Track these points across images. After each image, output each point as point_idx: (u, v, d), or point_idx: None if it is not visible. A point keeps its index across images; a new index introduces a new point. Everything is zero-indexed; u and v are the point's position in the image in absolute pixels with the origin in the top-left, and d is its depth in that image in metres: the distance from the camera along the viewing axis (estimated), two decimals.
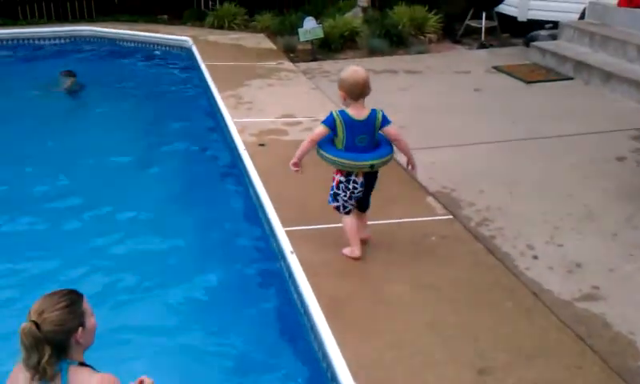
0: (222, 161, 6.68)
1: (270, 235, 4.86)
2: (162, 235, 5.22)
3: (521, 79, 8.55)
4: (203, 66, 9.19)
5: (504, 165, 5.93)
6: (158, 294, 4.43)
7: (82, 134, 7.42)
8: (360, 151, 3.98)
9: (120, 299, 4.35)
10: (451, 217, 4.91)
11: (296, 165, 4.13)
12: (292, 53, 10.24)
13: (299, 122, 6.87)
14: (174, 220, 5.51)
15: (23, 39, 11.73)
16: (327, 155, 4.01)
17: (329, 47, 10.23)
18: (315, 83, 8.45)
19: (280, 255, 4.54)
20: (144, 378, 2.57)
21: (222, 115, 7.23)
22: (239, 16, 12.34)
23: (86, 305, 2.45)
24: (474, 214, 4.97)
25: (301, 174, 4.17)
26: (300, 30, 9.65)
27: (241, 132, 6.54)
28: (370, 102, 4.08)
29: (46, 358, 2.30)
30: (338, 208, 4.19)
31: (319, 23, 9.99)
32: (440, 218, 4.92)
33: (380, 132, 4.05)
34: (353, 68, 4.02)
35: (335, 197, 4.16)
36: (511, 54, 9.92)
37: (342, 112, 3.99)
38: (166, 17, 13.65)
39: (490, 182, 5.52)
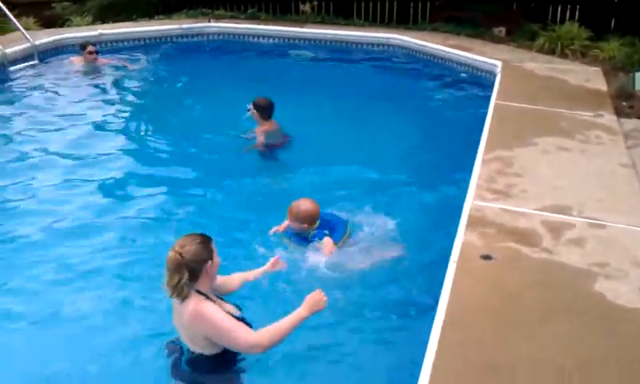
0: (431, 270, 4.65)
1: None
2: None
3: None
4: (492, 105, 7.21)
5: None
6: None
7: None
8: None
9: None
10: None
11: None
12: (626, 101, 7.58)
13: (571, 225, 4.57)
14: None
15: (328, 41, 11.14)
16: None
17: None
18: (632, 157, 5.85)
19: None
20: None
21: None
22: (578, 40, 9.86)
23: (213, 246, 3.23)
24: None
25: None
26: (637, 75, 6.99)
27: (471, 225, 4.54)
28: None
29: (184, 279, 3.12)
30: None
31: None
32: None
33: None
34: (302, 203, 4.86)
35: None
36: None
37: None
38: (503, 30, 11.92)
39: None
